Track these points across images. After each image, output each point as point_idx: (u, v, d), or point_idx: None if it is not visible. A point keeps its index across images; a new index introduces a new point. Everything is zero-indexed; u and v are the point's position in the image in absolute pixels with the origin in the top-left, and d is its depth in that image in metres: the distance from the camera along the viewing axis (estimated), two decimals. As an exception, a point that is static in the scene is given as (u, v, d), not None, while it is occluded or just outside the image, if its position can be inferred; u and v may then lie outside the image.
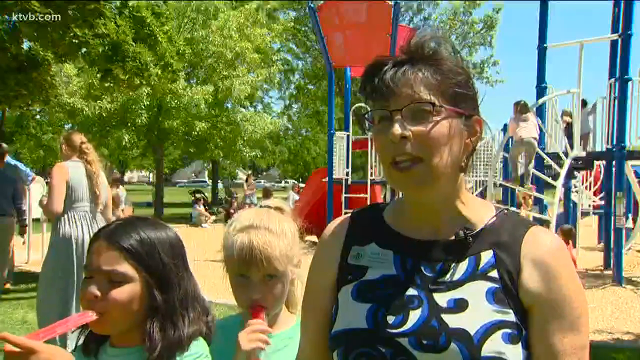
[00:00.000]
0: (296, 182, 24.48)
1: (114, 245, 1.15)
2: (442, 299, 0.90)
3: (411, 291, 0.92)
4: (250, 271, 1.29)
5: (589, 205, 12.83)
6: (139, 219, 1.24)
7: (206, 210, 19.65)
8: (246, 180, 20.70)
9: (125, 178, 64.45)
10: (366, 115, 0.96)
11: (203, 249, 12.20)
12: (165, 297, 1.17)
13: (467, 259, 0.93)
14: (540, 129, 8.72)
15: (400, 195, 1.05)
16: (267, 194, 16.30)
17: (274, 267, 1.29)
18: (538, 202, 9.50)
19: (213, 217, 19.57)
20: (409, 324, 0.88)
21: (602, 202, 10.68)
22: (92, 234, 3.98)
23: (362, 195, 11.58)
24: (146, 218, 1.27)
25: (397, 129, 0.89)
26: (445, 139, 0.90)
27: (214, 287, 7.84)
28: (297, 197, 16.64)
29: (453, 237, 0.94)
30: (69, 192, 3.98)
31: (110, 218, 4.42)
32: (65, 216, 3.96)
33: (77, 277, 3.90)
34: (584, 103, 9.90)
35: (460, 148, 0.94)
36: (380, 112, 0.93)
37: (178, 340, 1.16)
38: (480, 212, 0.98)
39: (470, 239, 0.93)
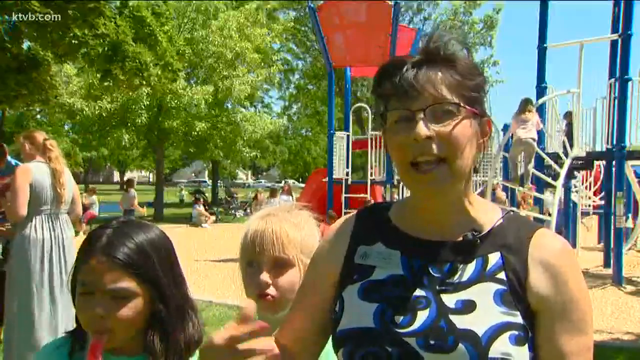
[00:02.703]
0: (289, 182, 23.96)
1: (114, 261, 1.11)
2: (449, 299, 0.90)
3: (419, 292, 0.92)
4: (261, 255, 1.25)
5: (588, 205, 12.84)
6: (128, 224, 1.20)
7: (206, 210, 19.65)
8: (255, 197, 19.91)
9: (126, 178, 64.46)
10: (382, 115, 0.95)
11: (203, 249, 12.21)
12: (165, 305, 1.15)
13: (475, 261, 0.93)
14: (541, 130, 8.72)
15: (406, 195, 1.05)
16: (274, 194, 16.29)
17: (286, 253, 1.24)
18: (538, 202, 9.51)
19: (213, 217, 19.58)
20: (417, 324, 0.88)
21: (602, 202, 10.68)
22: (55, 236, 3.86)
23: (362, 195, 11.59)
24: (133, 222, 1.22)
25: (422, 128, 0.88)
26: (466, 139, 0.91)
27: (214, 287, 7.86)
28: (285, 198, 16.27)
29: (461, 239, 0.95)
30: (33, 195, 3.83)
31: (79, 213, 4.32)
32: (28, 220, 3.84)
33: (41, 280, 3.82)
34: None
35: (475, 149, 0.94)
36: (400, 112, 0.92)
37: (180, 347, 1.15)
38: (486, 213, 0.99)
39: (479, 240, 0.94)
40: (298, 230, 1.28)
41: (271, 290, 1.24)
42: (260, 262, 1.26)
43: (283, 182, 56.11)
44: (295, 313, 1.08)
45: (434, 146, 0.89)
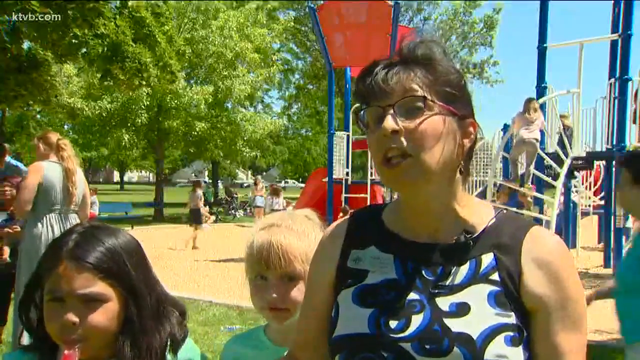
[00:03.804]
0: (280, 183, 23.52)
1: (85, 265, 1.05)
2: (443, 303, 0.90)
3: (413, 295, 0.92)
4: (269, 271, 1.25)
5: (588, 205, 12.84)
6: (94, 228, 1.15)
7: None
8: (255, 183, 20.34)
9: (126, 178, 64.47)
10: (359, 116, 0.96)
11: (203, 249, 12.22)
12: (138, 309, 1.11)
13: (468, 262, 0.93)
14: (543, 131, 8.70)
15: (397, 196, 1.05)
16: (276, 192, 16.23)
17: (293, 267, 1.24)
18: (538, 202, 9.50)
19: (213, 217, 19.57)
20: (411, 329, 0.88)
21: (602, 202, 10.67)
22: None
23: (362, 195, 11.59)
24: (99, 226, 1.17)
25: (389, 122, 0.89)
26: (437, 135, 0.90)
27: (214, 287, 7.86)
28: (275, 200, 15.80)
29: (453, 241, 0.94)
30: (42, 193, 3.87)
31: (87, 214, 4.33)
32: (38, 219, 3.88)
33: None
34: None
35: (454, 148, 0.93)
36: (373, 111, 0.93)
37: (154, 351, 1.11)
38: (479, 213, 0.98)
39: (472, 243, 0.94)
40: (302, 240, 1.27)
41: (282, 304, 1.24)
42: (269, 277, 1.25)
43: (283, 181, 56.09)
44: (302, 319, 1.10)
45: (402, 140, 0.89)
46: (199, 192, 13.39)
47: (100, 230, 1.14)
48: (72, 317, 1.03)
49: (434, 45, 0.96)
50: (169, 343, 1.16)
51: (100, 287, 1.07)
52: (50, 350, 1.10)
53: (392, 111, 0.90)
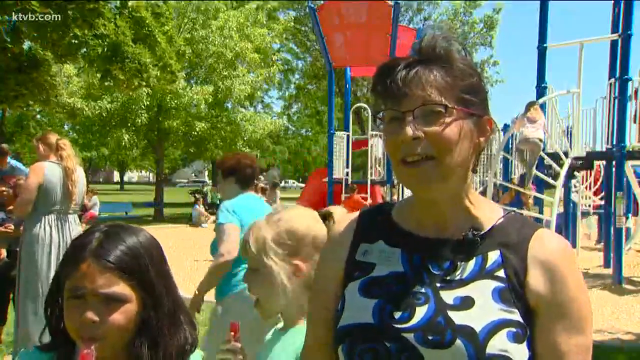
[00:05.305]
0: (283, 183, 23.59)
1: (108, 265, 1.07)
2: (448, 296, 0.91)
3: (418, 288, 0.93)
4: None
5: (588, 205, 12.83)
6: (117, 227, 1.16)
7: (206, 210, 19.66)
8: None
9: (126, 178, 64.46)
10: (378, 115, 0.97)
11: (203, 249, 12.22)
12: (156, 311, 1.12)
13: (474, 258, 0.94)
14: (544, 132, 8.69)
15: (406, 195, 1.05)
16: (263, 191, 16.25)
17: (251, 255, 1.34)
18: (537, 202, 9.49)
19: (213, 217, 19.55)
20: (415, 320, 0.89)
21: (602, 202, 10.66)
22: (63, 236, 3.88)
23: (362, 195, 11.59)
24: (122, 225, 1.18)
25: (409, 130, 0.90)
26: (455, 140, 0.91)
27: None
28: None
29: (461, 237, 0.95)
30: (43, 194, 3.90)
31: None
32: (38, 220, 3.90)
33: (49, 280, 3.81)
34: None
35: (470, 148, 0.95)
36: (391, 113, 0.94)
37: (170, 356, 1.13)
38: (487, 212, 1.00)
39: (479, 239, 0.95)
40: (272, 229, 1.36)
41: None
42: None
43: (283, 181, 55.96)
44: (312, 316, 1.10)
45: (421, 147, 0.90)
46: (278, 192, 13.97)
47: (124, 229, 1.15)
48: (92, 316, 1.05)
49: (453, 42, 0.96)
50: (183, 348, 1.17)
51: (122, 288, 1.08)
52: (68, 349, 1.12)
53: (411, 118, 0.90)
